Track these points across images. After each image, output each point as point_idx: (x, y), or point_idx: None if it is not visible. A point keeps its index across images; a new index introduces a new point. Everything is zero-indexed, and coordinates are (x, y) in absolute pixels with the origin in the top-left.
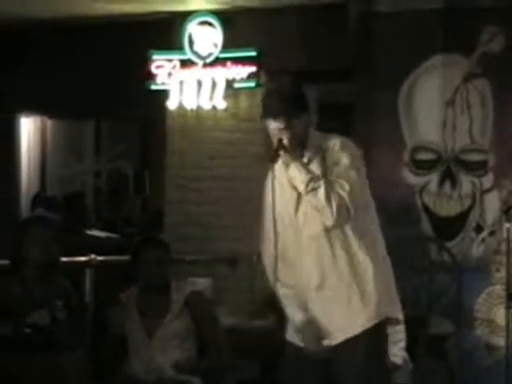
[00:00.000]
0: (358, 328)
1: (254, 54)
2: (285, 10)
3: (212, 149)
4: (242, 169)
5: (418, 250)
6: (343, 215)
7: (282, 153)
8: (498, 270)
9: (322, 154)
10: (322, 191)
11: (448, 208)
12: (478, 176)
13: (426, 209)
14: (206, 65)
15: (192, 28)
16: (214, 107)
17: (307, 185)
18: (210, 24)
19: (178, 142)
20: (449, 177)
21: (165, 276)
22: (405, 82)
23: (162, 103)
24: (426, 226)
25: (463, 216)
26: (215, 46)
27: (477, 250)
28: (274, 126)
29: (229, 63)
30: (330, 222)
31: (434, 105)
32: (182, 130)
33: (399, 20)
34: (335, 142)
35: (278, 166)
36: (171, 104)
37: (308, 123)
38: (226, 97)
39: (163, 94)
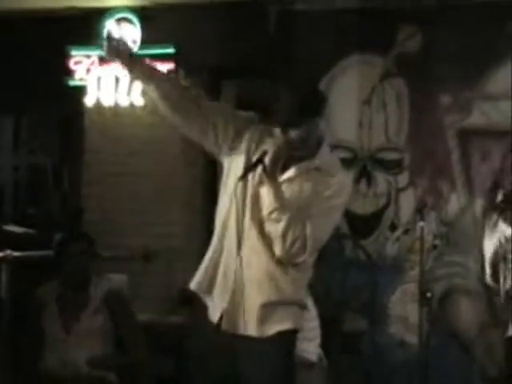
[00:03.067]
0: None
1: (172, 51)
2: (205, 6)
3: (131, 146)
4: (161, 165)
5: (333, 247)
6: (295, 255)
7: (259, 170)
8: (411, 268)
9: (312, 175)
10: (282, 225)
11: (363, 206)
12: (394, 174)
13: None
14: None
15: (110, 24)
16: (131, 104)
17: (271, 212)
18: (128, 21)
19: (96, 139)
20: (365, 175)
21: (87, 271)
22: (321, 81)
23: (81, 99)
24: (342, 223)
25: (378, 214)
26: (134, 42)
27: (391, 248)
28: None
29: (147, 60)
30: (277, 254)
31: (351, 104)
32: (100, 127)
33: (316, 19)
34: (333, 170)
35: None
36: (89, 100)
37: (315, 132)
38: (144, 94)
39: (81, 90)
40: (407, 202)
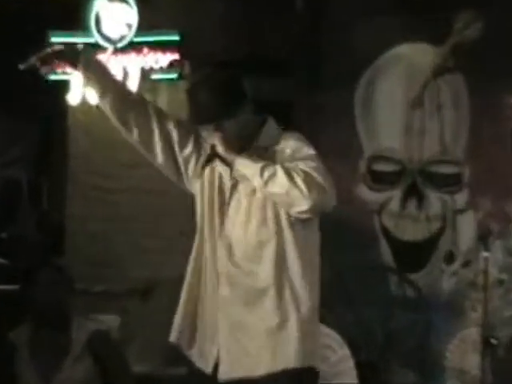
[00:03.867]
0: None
1: (176, 38)
2: None
3: (124, 154)
4: (160, 180)
5: (375, 281)
6: (317, 192)
7: (216, 163)
8: (473, 309)
9: (270, 155)
10: (280, 174)
11: (413, 232)
12: (450, 193)
13: (386, 232)
14: (117, 50)
15: (100, 4)
16: None
17: (261, 174)
18: (122, 0)
19: (82, 145)
20: (414, 193)
21: (64, 310)
22: (362, 77)
23: (63, 96)
24: (386, 252)
25: (431, 242)
26: (129, 27)
27: (448, 284)
28: (205, 132)
29: (145, 49)
30: (304, 206)
31: (398, 105)
32: (86, 131)
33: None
34: (290, 142)
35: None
36: (73, 98)
37: (250, 120)
38: (141, 90)
39: (64, 86)
40: (467, 228)
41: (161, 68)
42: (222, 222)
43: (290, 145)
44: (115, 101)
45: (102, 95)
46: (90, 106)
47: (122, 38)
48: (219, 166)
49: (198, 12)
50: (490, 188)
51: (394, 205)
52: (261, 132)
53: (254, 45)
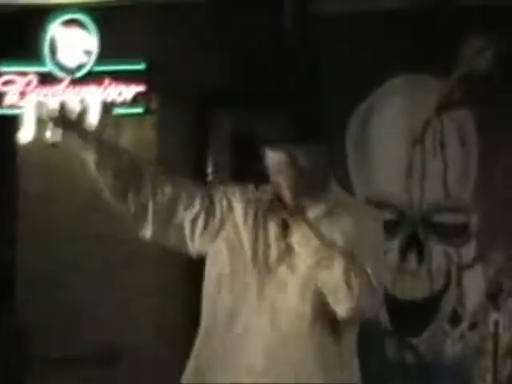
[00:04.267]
0: None
1: (142, 67)
2: (187, 5)
3: (82, 198)
4: (123, 227)
5: (370, 346)
6: (366, 300)
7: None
8: (481, 377)
9: (335, 216)
10: (338, 268)
11: (413, 289)
12: (456, 245)
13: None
14: (74, 81)
15: (55, 29)
16: None
17: (320, 259)
18: (80, 24)
19: (34, 187)
20: (414, 245)
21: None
22: (356, 111)
23: (12, 133)
24: (382, 313)
25: (434, 301)
26: (88, 54)
27: (453, 349)
28: (277, 158)
29: (107, 80)
30: (348, 311)
31: (396, 144)
32: (39, 172)
33: (348, 23)
34: (361, 206)
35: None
36: (24, 136)
37: (322, 163)
38: (102, 127)
39: (13, 121)
40: (475, 285)
41: (125, 101)
42: (262, 282)
43: (365, 222)
44: (111, 176)
45: (97, 168)
46: (43, 145)
47: (81, 66)
48: (272, 220)
49: (169, 38)
50: (501, 239)
51: (392, 258)
52: (329, 187)
53: (235, 76)
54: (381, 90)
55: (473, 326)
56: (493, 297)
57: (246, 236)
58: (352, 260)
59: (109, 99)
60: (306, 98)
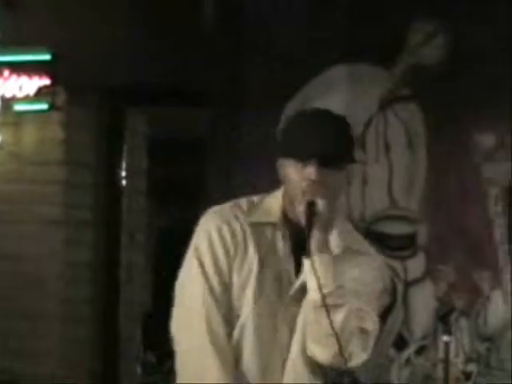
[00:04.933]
0: None
1: (47, 57)
2: None
3: None
4: (25, 241)
5: None
6: (357, 359)
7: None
8: None
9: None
10: (340, 315)
11: None
12: (401, 258)
13: None
14: None
15: None
16: None
17: (325, 297)
18: None
19: None
20: None
21: None
22: (285, 109)
23: None
24: None
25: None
26: None
27: (398, 376)
28: (295, 170)
29: (6, 71)
30: (322, 359)
31: None
32: None
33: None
34: (369, 249)
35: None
36: None
37: (343, 182)
38: (2, 126)
39: None
40: (423, 303)
41: (27, 96)
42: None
43: (371, 264)
44: None
45: None
46: None
47: None
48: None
49: (77, 26)
50: (452, 251)
51: None
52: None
53: (151, 71)
54: (314, 83)
55: (421, 351)
56: (443, 317)
57: None
58: (356, 316)
59: (8, 94)
60: (229, 95)
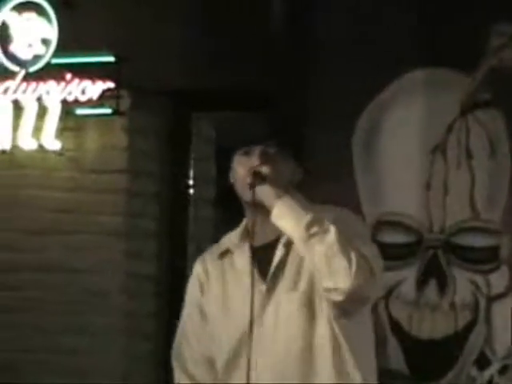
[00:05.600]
0: None
1: (111, 59)
2: None
3: (36, 218)
4: (84, 253)
5: None
6: (365, 275)
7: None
8: None
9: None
10: (332, 235)
11: (432, 326)
12: (484, 273)
13: (396, 326)
14: (29, 76)
15: (6, 15)
16: (41, 147)
17: (309, 226)
18: (36, 8)
19: None
20: (435, 273)
21: None
22: (364, 113)
23: None
24: (396, 354)
25: (458, 340)
26: (46, 44)
27: None
28: (244, 163)
29: (68, 74)
30: (346, 283)
31: (412, 153)
32: None
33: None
34: (340, 210)
35: (233, 244)
36: None
37: (291, 174)
38: (62, 131)
39: None
40: (507, 320)
41: (90, 100)
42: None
43: (340, 215)
44: None
45: None
46: None
47: (37, 58)
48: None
49: (142, 27)
50: None
51: (408, 289)
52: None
53: (218, 74)
54: (394, 87)
55: (504, 370)
56: None
57: None
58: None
59: (70, 98)
60: (300, 98)
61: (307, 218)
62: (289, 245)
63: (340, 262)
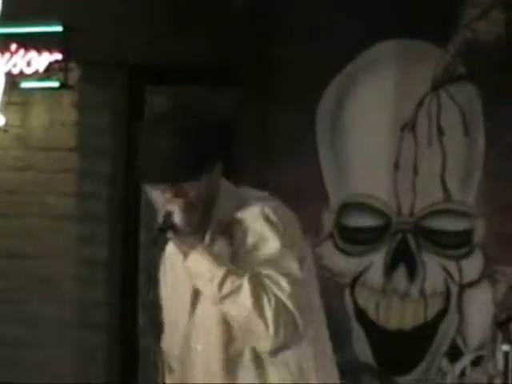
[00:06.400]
0: None
1: (59, 29)
2: None
3: None
4: (33, 237)
5: None
6: (288, 331)
7: (170, 235)
8: None
9: (233, 229)
10: (246, 292)
11: (401, 315)
12: (457, 258)
13: (362, 316)
14: None
15: None
16: None
17: (221, 285)
18: None
19: None
20: (404, 258)
21: None
22: (327, 88)
23: None
24: (363, 346)
25: (428, 330)
26: None
27: None
28: (157, 194)
29: (13, 45)
30: (267, 346)
31: (379, 130)
32: None
33: None
34: (257, 211)
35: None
36: None
37: (214, 183)
38: (6, 105)
39: None
40: (480, 309)
41: (36, 73)
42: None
43: (254, 225)
44: None
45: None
46: None
47: None
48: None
49: None
50: None
51: (375, 275)
52: (218, 196)
53: (174, 46)
54: (362, 58)
55: (477, 362)
56: (503, 324)
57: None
58: (261, 282)
59: (15, 70)
60: (261, 71)
61: (219, 274)
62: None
63: (257, 326)
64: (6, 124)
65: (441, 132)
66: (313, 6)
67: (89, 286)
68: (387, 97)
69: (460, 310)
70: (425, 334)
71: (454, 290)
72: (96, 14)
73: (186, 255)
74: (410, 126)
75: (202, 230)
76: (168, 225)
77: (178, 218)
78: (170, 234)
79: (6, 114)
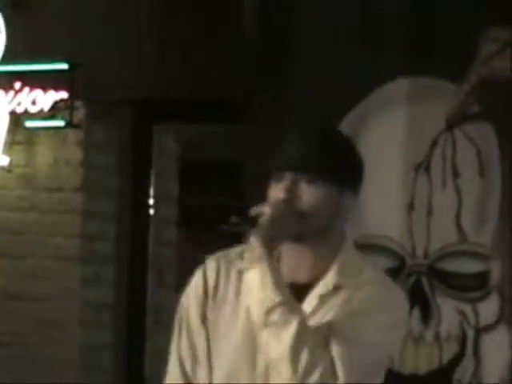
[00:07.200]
0: None
1: (64, 67)
2: None
3: None
4: (38, 278)
5: None
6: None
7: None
8: None
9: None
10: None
11: (415, 359)
12: (472, 301)
13: None
14: None
15: None
16: None
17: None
18: None
19: None
20: (418, 301)
21: None
22: (340, 128)
23: None
24: None
25: (443, 375)
26: None
27: None
28: (277, 189)
29: (17, 83)
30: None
31: (392, 170)
32: None
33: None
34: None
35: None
36: None
37: (333, 207)
38: (11, 145)
39: None
40: (496, 353)
41: (41, 112)
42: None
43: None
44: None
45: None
46: None
47: None
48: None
49: (99, 32)
50: None
51: None
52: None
53: (181, 84)
54: (375, 97)
55: None
56: None
57: None
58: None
59: (20, 109)
60: (272, 109)
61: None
62: (325, 297)
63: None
64: (10, 164)
65: (455, 172)
66: (326, 43)
67: (94, 329)
68: (401, 135)
69: (476, 355)
70: (440, 378)
71: (470, 333)
72: (101, 50)
73: (250, 262)
74: (424, 166)
75: (280, 243)
76: (249, 221)
77: (265, 220)
78: (246, 227)
79: (10, 153)
